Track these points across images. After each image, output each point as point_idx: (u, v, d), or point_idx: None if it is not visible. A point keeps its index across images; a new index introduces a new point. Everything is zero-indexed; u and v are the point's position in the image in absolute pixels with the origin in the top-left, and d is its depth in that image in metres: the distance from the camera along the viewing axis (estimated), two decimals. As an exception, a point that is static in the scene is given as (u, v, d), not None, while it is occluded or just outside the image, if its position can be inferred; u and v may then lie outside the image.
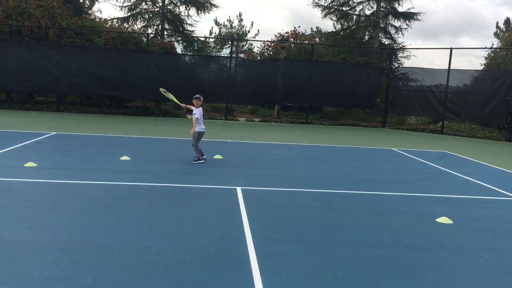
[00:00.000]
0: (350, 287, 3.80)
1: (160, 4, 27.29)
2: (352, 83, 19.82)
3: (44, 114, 17.58)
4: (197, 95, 9.20)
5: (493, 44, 24.72)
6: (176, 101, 9.63)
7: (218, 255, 4.35)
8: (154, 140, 12.03)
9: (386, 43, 25.14)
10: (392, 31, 25.00)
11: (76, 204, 5.80)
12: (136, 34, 20.73)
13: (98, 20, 23.25)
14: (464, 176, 9.16)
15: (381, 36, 24.73)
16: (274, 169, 8.93)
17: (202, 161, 9.13)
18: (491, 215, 6.40)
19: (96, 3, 31.26)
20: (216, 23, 35.48)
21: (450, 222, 5.84)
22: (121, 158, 8.94)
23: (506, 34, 22.13)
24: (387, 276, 4.07)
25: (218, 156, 9.82)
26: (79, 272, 3.78)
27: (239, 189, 7.02)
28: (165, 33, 27.41)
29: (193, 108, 9.22)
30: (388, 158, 11.12)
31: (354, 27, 25.34)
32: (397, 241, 5.06)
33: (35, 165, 7.83)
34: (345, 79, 19.80)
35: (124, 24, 26.74)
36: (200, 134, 9.12)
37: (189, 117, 9.36)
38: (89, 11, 28.41)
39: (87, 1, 28.86)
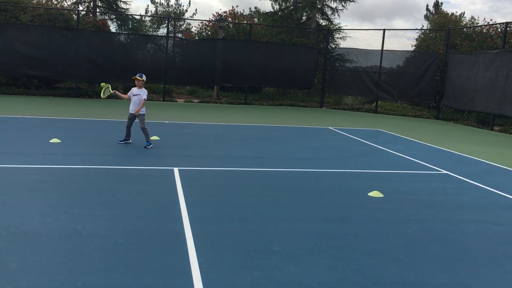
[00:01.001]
0: (285, 261, 3.87)
1: (92, -21, 26.07)
2: (290, 63, 20.00)
3: (-34, 95, 16.38)
4: (140, 75, 8.71)
5: (423, 26, 25.77)
6: (111, 91, 8.95)
7: (153, 236, 4.28)
8: (86, 122, 11.58)
9: (323, 24, 25.55)
10: (329, 12, 25.43)
11: (1, 188, 5.47)
12: (65, 11, 19.68)
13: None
14: (396, 153, 9.56)
15: (318, 17, 25.10)
16: (212, 149, 8.88)
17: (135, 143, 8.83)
18: (419, 188, 6.73)
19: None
20: (152, 1, 34.44)
21: (381, 195, 6.09)
22: (51, 141, 8.52)
23: (435, 16, 23.13)
24: (320, 249, 4.17)
25: (155, 137, 9.60)
26: (5, 259, 3.57)
27: (176, 170, 6.91)
28: (97, 10, 26.26)
29: (134, 89, 8.76)
30: (324, 137, 11.38)
31: (292, 7, 25.51)
32: (332, 215, 5.21)
33: (-46, 149, 7.31)
34: (283, 59, 19.94)
35: (53, 0, 25.31)
36: (144, 116, 8.79)
37: (126, 97, 8.94)
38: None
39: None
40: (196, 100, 20.54)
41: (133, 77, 8.81)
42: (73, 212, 4.77)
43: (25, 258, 3.62)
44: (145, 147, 8.53)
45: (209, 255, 3.89)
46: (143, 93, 8.69)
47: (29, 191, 5.44)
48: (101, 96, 8.94)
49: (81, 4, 26.68)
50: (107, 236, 4.18)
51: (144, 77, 8.73)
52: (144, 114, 8.76)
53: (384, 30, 18.83)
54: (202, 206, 5.28)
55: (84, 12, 23.07)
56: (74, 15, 19.31)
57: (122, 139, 8.84)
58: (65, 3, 25.94)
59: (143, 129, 8.66)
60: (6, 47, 17.04)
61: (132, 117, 8.69)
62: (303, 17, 25.91)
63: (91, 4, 26.36)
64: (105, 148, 8.34)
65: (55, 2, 25.25)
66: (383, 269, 3.85)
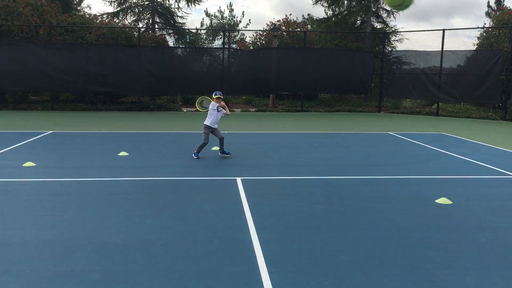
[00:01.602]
0: (354, 271, 3.86)
1: (150, -3, 27.12)
2: (346, 68, 19.82)
3: (39, 113, 17.51)
4: (219, 93, 8.93)
5: (485, 24, 24.74)
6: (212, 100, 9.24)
7: (222, 245, 4.40)
8: (151, 135, 12.04)
9: (378, 27, 25.12)
10: (384, 14, 24.96)
11: (77, 201, 5.82)
12: (127, 29, 20.60)
13: (88, 16, 23.11)
14: (461, 157, 9.23)
15: (373, 21, 24.71)
16: (272, 158, 8.98)
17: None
18: (490, 194, 6.47)
19: (85, -1, 31.05)
20: (207, 14, 35.38)
21: (450, 202, 5.91)
22: (119, 154, 8.95)
23: (497, 13, 22.12)
24: (389, 258, 4.12)
25: (215, 148, 9.83)
26: (87, 268, 3.82)
27: (239, 180, 7.05)
28: (156, 26, 27.28)
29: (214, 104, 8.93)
30: (385, 142, 11.18)
31: (345, 12, 25.29)
32: (398, 223, 5.12)
33: (34, 164, 7.84)
34: (338, 65, 19.80)
35: (114, 19, 26.59)
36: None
37: (185, 110, 9.23)
38: (78, 7, 28.19)
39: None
40: (253, 109, 20.79)
41: (214, 97, 8.90)
42: (146, 223, 5.00)
43: (105, 268, 3.84)
44: (221, 154, 9.08)
45: (278, 264, 3.95)
46: (224, 108, 9.02)
47: (104, 203, 5.75)
48: (198, 108, 9.51)
49: (140, 21, 27.83)
50: (178, 246, 4.35)
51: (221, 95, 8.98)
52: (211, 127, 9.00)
53: (443, 30, 18.27)
54: (267, 215, 5.36)
55: (144, 28, 24.00)
56: (135, 32, 20.17)
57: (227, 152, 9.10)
58: (126, 21, 27.17)
59: (221, 138, 9.08)
60: (74, 66, 18.07)
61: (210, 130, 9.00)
62: (358, 22, 25.60)
63: (150, 20, 27.43)
64: (169, 160, 8.64)
65: (117, 21, 26.51)
66: (457, 279, 3.74)
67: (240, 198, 6.06)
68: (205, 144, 8.95)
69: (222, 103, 9.01)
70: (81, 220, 5.08)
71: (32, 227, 4.82)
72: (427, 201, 6.00)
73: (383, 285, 3.61)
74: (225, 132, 12.55)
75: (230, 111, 16.91)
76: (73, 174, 7.31)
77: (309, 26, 29.30)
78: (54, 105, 19.08)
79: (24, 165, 7.79)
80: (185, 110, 19.84)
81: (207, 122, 8.94)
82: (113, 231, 4.72)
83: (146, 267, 3.86)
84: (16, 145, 9.77)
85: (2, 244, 4.33)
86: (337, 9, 25.76)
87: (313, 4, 25.83)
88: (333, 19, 25.28)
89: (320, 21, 26.20)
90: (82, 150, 9.52)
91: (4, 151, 9.08)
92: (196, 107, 9.51)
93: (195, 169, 7.87)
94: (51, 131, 12.09)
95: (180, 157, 8.89)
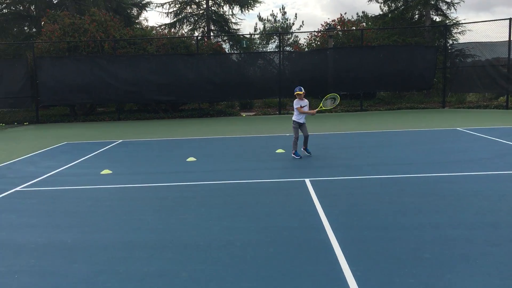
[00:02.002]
0: (440, 268, 3.78)
1: (204, 6, 27.75)
2: (406, 65, 19.32)
3: (107, 124, 18.38)
4: (299, 88, 9.10)
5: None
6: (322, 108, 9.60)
7: (301, 245, 4.45)
8: (214, 140, 12.30)
9: (438, 20, 24.29)
10: (444, 7, 24.10)
11: (155, 205, 6.08)
12: (185, 38, 21.19)
13: (146, 28, 23.99)
14: (539, 150, 8.76)
15: (432, 14, 23.91)
16: (338, 158, 8.93)
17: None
18: None
19: (144, 11, 32.25)
20: (260, 18, 35.67)
21: (533, 198, 5.64)
22: (188, 160, 9.24)
23: None
24: (476, 256, 4.01)
25: (280, 150, 9.93)
26: (175, 268, 3.99)
27: (307, 181, 7.08)
28: (212, 34, 27.85)
29: (301, 103, 9.16)
30: (453, 138, 10.80)
31: (402, 7, 24.64)
32: (479, 220, 4.95)
33: (111, 172, 8.26)
34: (398, 61, 19.34)
35: (172, 30, 27.42)
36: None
37: (244, 115, 9.47)
38: (137, 20, 29.33)
39: (134, 11, 29.80)
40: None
41: (295, 93, 9.10)
42: (223, 225, 5.14)
43: (192, 267, 4.00)
44: (304, 149, 9.33)
45: (360, 263, 3.95)
46: (307, 104, 9.25)
47: (180, 207, 5.97)
48: (325, 107, 9.69)
49: (196, 30, 28.54)
50: (258, 246, 4.45)
51: (303, 90, 9.15)
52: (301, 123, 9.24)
53: (510, 19, 17.38)
54: (341, 215, 5.36)
55: (201, 37, 24.59)
56: (193, 41, 20.72)
57: (297, 153, 9.22)
58: (183, 31, 27.96)
59: (307, 136, 9.29)
60: (137, 77, 18.85)
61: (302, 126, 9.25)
62: (415, 16, 24.89)
63: (205, 29, 28.06)
64: (235, 164, 8.81)
65: (174, 31, 27.34)
66: (552, 276, 3.58)
67: (311, 198, 6.09)
68: (296, 139, 9.19)
69: (300, 102, 9.16)
70: (162, 223, 5.31)
71: (118, 230, 5.10)
72: (508, 197, 5.76)
73: (474, 282, 3.52)
74: (286, 134, 12.64)
75: (288, 113, 17.09)
76: (147, 179, 7.63)
77: (364, 24, 28.83)
78: (120, 115, 19.95)
79: (101, 172, 8.22)
80: (244, 115, 20.11)
81: (294, 117, 9.23)
82: (193, 233, 4.90)
83: (230, 267, 3.98)
84: (91, 155, 10.32)
85: (93, 246, 4.61)
86: (393, 4, 25.18)
87: (368, 1, 25.41)
88: (390, 15, 24.73)
89: (376, 18, 25.72)
90: (151, 157, 9.91)
91: (82, 160, 9.62)
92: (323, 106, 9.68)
93: (262, 172, 7.98)
94: (120, 140, 12.66)
95: (245, 161, 9.04)
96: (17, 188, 7.27)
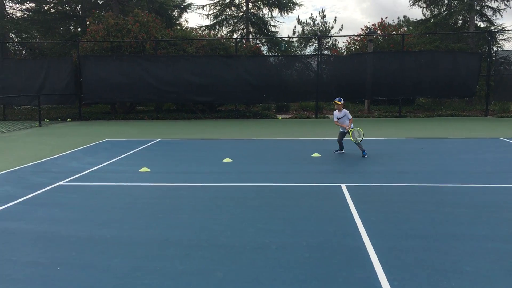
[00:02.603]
0: (480, 282, 3.68)
1: (244, 8, 27.93)
2: (448, 71, 18.88)
3: (146, 122, 18.77)
4: (339, 99, 9.84)
5: None
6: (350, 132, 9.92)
7: (336, 250, 4.42)
8: (250, 142, 12.36)
9: (482, 26, 23.61)
10: (489, 12, 23.41)
11: (191, 205, 6.16)
12: (224, 40, 21.40)
13: (186, 29, 24.38)
14: None
15: (476, 20, 23.27)
16: (375, 164, 8.81)
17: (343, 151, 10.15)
18: None
19: (185, 13, 32.77)
20: (299, 21, 35.59)
21: None
22: (224, 160, 9.32)
23: None
24: (519, 271, 3.88)
25: (316, 154, 9.88)
26: (210, 267, 4.04)
27: (343, 186, 7.02)
28: (250, 36, 28.01)
29: (336, 113, 10.02)
30: (496, 149, 10.47)
31: (445, 12, 24.11)
32: (524, 234, 4.78)
33: (149, 170, 8.43)
34: (439, 67, 18.92)
35: (211, 31, 27.75)
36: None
37: (280, 118, 9.67)
38: (177, 22, 29.84)
39: (175, 13, 30.31)
40: (348, 116, 20.50)
41: (333, 102, 9.98)
42: (258, 227, 5.16)
43: (227, 267, 4.04)
44: (363, 156, 9.69)
45: (397, 272, 3.89)
46: (347, 113, 9.90)
47: (215, 207, 6.03)
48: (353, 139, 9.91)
49: (235, 32, 28.77)
50: (293, 250, 4.44)
51: (342, 100, 9.85)
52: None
53: (560, 25, 16.70)
54: (378, 222, 5.28)
55: (239, 39, 24.76)
56: (232, 43, 20.89)
57: (337, 150, 10.13)
58: (222, 33, 28.23)
59: (358, 144, 9.83)
60: (177, 77, 19.18)
61: (344, 133, 9.92)
62: (459, 21, 24.27)
63: (244, 31, 28.24)
64: (272, 166, 8.83)
65: (213, 32, 27.65)
66: None
67: (348, 204, 6.04)
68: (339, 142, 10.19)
69: (337, 114, 10.03)
70: (198, 222, 5.38)
71: (155, 227, 5.20)
72: (554, 212, 5.53)
73: (515, 298, 3.41)
74: (323, 139, 12.57)
75: (325, 117, 17.23)
76: (184, 179, 7.75)
77: (405, 28, 28.33)
78: (158, 115, 20.33)
79: (140, 170, 8.41)
80: (280, 118, 20.11)
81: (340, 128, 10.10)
82: (229, 234, 4.94)
83: (265, 269, 4.00)
84: (131, 152, 10.57)
85: (132, 242, 4.72)
86: (436, 9, 24.70)
87: (410, 6, 24.98)
88: (432, 20, 24.24)
89: (418, 22, 25.27)
90: (188, 156, 10.05)
91: (122, 157, 9.86)
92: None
93: (299, 175, 7.96)
94: (159, 139, 12.91)
95: (281, 164, 9.05)
96: (60, 183, 7.53)
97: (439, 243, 4.56)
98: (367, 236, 4.77)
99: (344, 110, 9.92)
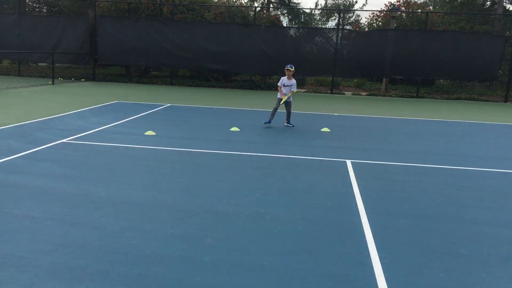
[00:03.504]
0: (475, 266, 3.56)
1: (267, -23, 27.33)
2: (471, 53, 18.33)
3: (159, 87, 18.69)
4: (291, 66, 9.61)
5: None
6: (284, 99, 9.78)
7: (332, 225, 4.32)
8: (261, 113, 12.21)
9: (511, 9, 22.78)
10: (519, -5, 22.54)
11: (192, 170, 6.10)
12: (243, 8, 21.00)
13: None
14: None
15: (505, 1, 22.43)
16: (384, 143, 8.62)
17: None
18: None
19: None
20: (322, -6, 34.72)
21: None
22: (231, 129, 9.22)
23: None
24: (517, 258, 3.74)
25: (325, 129, 9.72)
26: (200, 233, 3.98)
27: (348, 162, 6.88)
28: (271, 6, 27.47)
29: (284, 80, 9.66)
30: (512, 135, 10.17)
31: (474, -8, 23.28)
32: (528, 222, 4.62)
33: (154, 133, 8.37)
34: (462, 49, 18.37)
35: (232, -1, 27.25)
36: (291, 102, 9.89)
37: (294, 91, 9.56)
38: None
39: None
40: (364, 93, 20.18)
41: (285, 69, 9.62)
42: (255, 196, 5.08)
43: (217, 234, 3.97)
44: (286, 124, 9.86)
45: (390, 250, 3.78)
46: (294, 84, 9.63)
47: (216, 174, 5.95)
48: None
49: (256, 1, 28.22)
50: (287, 222, 4.36)
51: (293, 68, 9.58)
52: (291, 101, 9.85)
53: None
54: (378, 199, 5.16)
55: (259, 8, 24.30)
56: (251, 12, 20.50)
57: (267, 121, 9.87)
58: (242, 1, 27.71)
59: (289, 111, 9.92)
60: (192, 43, 18.95)
61: (279, 102, 9.73)
62: (487, 2, 23.44)
63: (265, 0, 27.69)
64: (277, 138, 8.70)
65: (233, 0, 27.17)
66: None
67: (350, 180, 5.91)
68: (275, 110, 9.93)
69: (284, 81, 9.73)
70: (195, 187, 5.31)
71: (153, 190, 5.15)
72: None
73: (510, 286, 3.28)
74: (335, 114, 12.37)
75: (340, 93, 17.07)
76: (189, 144, 7.68)
77: (431, 7, 27.49)
78: (172, 80, 20.20)
79: (145, 133, 8.35)
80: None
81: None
82: (224, 201, 4.87)
83: (255, 239, 3.92)
84: (139, 115, 10.52)
85: (127, 202, 4.68)
86: (464, -12, 23.82)
87: (438, -16, 24.15)
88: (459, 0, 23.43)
89: (444, 1, 24.48)
90: (197, 123, 9.96)
91: (129, 120, 9.82)
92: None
93: (305, 149, 7.83)
94: (169, 104, 12.83)
95: (289, 136, 8.91)
96: (64, 140, 7.51)
97: (438, 225, 4.43)
98: (365, 213, 4.66)
99: (293, 80, 9.68)
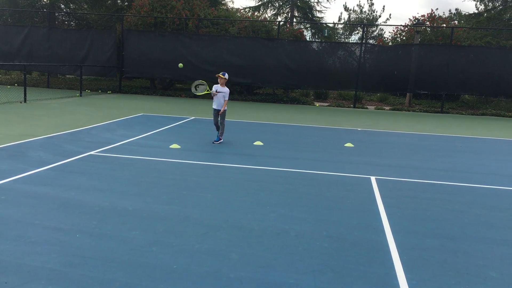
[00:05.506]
0: (505, 290, 3.49)
1: (290, -9, 27.53)
2: (497, 68, 18.07)
3: (183, 100, 18.91)
4: (223, 73, 9.07)
5: None
6: (208, 91, 9.50)
7: (357, 243, 4.29)
8: (285, 127, 12.24)
9: (539, 23, 22.42)
10: (547, 10, 22.17)
11: (217, 184, 6.14)
12: (267, 23, 21.18)
13: (230, 9, 24.26)
14: None
15: (533, 16, 22.10)
16: (409, 159, 8.54)
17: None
18: None
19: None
20: (346, 8, 34.84)
21: None
22: (255, 143, 9.26)
23: None
24: (549, 283, 3.65)
25: (349, 144, 9.68)
26: (226, 249, 4.00)
27: (373, 179, 6.84)
28: (294, 20, 27.63)
29: (217, 87, 9.03)
30: (541, 153, 9.94)
31: (500, 7, 22.99)
32: (559, 245, 4.51)
33: (179, 147, 8.47)
34: (488, 64, 18.12)
35: (255, 13, 27.52)
36: (225, 112, 9.27)
37: (317, 105, 9.41)
38: (222, 1, 29.72)
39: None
40: (387, 107, 20.04)
41: (216, 75, 9.13)
42: (280, 212, 5.09)
43: (243, 251, 3.99)
44: (214, 142, 9.14)
45: (417, 271, 3.73)
46: (226, 92, 9.05)
47: (240, 189, 5.98)
48: (193, 91, 9.72)
49: (280, 15, 28.44)
50: (312, 239, 4.35)
51: (226, 76, 9.06)
52: (225, 110, 9.21)
53: None
54: (404, 218, 5.11)
55: (283, 22, 24.46)
56: (274, 26, 20.65)
57: (216, 140, 9.25)
58: (266, 15, 27.95)
59: (223, 124, 9.22)
60: (217, 57, 19.15)
61: (217, 114, 9.13)
62: (515, 17, 23.13)
63: (289, 14, 27.88)
64: (301, 153, 8.70)
65: (257, 14, 27.42)
66: None
67: (375, 197, 5.87)
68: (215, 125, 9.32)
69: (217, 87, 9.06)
70: (220, 202, 5.35)
71: (178, 204, 5.20)
72: None
73: (541, 312, 3.21)
74: (358, 129, 12.30)
75: (363, 108, 16.88)
76: (213, 158, 7.74)
77: (456, 21, 27.24)
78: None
79: (170, 146, 8.46)
80: (317, 105, 19.84)
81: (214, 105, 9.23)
82: (249, 216, 4.89)
83: (281, 255, 3.92)
84: (164, 128, 10.66)
85: (152, 216, 4.74)
86: (490, 3, 23.59)
87: (463, -2, 23.93)
88: (485, 14, 23.19)
89: (470, 16, 24.23)
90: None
91: (154, 132, 9.96)
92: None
93: (329, 164, 7.81)
94: (193, 117, 12.97)
95: (312, 151, 8.91)
96: (92, 152, 7.67)
97: (466, 246, 4.36)
98: (390, 232, 4.61)
99: (226, 88, 9.08)
